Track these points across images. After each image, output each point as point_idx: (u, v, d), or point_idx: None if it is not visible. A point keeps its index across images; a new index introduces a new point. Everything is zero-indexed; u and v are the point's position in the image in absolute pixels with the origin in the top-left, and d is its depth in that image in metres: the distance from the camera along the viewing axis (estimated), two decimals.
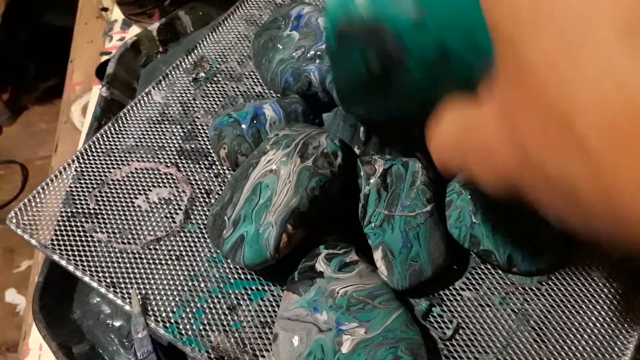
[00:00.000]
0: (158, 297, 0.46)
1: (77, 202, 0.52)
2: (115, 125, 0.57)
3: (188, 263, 0.48)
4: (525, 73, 0.17)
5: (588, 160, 0.16)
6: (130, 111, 0.58)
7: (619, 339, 0.43)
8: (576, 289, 0.45)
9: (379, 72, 0.30)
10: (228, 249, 0.44)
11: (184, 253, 0.48)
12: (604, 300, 0.44)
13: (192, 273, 0.47)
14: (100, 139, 0.56)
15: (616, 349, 0.42)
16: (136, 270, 0.47)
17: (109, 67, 0.67)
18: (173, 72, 0.61)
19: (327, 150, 0.45)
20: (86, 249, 0.49)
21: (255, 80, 0.61)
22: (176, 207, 0.51)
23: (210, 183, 0.53)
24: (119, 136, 0.56)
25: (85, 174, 0.54)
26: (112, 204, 0.51)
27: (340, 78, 0.38)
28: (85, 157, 0.55)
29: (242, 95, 0.59)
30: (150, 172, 0.54)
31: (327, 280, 0.42)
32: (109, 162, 0.54)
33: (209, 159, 0.54)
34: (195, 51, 0.63)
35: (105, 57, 0.75)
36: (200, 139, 0.56)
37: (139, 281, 0.47)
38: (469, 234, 0.45)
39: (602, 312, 0.44)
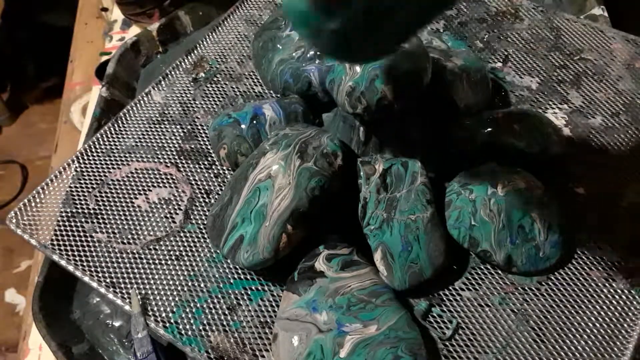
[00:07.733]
0: (158, 297, 0.46)
1: (77, 202, 0.52)
2: (115, 125, 0.57)
3: (188, 263, 0.48)
4: None
5: None
6: (130, 111, 0.58)
7: (619, 339, 0.43)
8: (576, 289, 0.45)
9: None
10: (228, 250, 0.44)
11: (183, 253, 0.48)
12: (604, 300, 0.44)
13: (191, 273, 0.47)
14: (100, 139, 0.56)
15: (616, 349, 0.42)
16: (136, 270, 0.47)
17: (108, 67, 0.67)
18: (173, 72, 0.61)
19: (327, 150, 0.45)
20: (86, 249, 0.49)
21: (255, 80, 0.61)
22: (176, 207, 0.51)
23: (210, 183, 0.53)
24: (119, 136, 0.56)
25: (85, 174, 0.54)
26: (112, 204, 0.51)
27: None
28: (85, 157, 0.55)
29: (242, 96, 0.59)
30: (150, 172, 0.54)
31: (328, 280, 0.42)
32: (109, 162, 0.55)
33: (209, 159, 0.54)
34: (195, 51, 0.63)
35: (105, 57, 0.75)
36: (200, 139, 0.56)
37: (139, 281, 0.47)
38: (468, 235, 0.45)
39: (602, 312, 0.44)
